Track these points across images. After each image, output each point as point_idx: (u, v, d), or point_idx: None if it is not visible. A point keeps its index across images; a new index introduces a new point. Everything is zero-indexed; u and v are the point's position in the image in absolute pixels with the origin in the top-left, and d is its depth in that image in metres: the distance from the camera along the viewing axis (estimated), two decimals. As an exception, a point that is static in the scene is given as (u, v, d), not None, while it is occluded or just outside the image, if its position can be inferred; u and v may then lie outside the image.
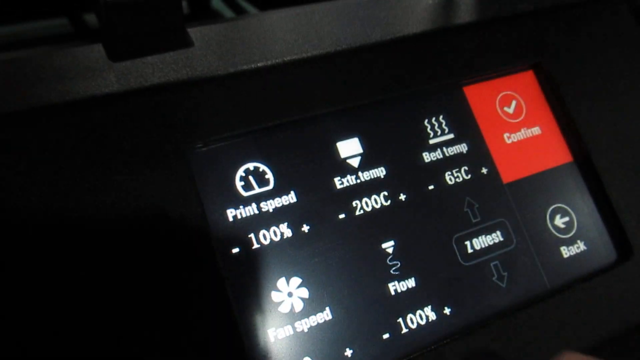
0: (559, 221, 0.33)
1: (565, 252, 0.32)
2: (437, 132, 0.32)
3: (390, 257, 0.29)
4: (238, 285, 0.26)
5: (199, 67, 0.29)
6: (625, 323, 0.31)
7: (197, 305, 0.25)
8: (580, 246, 0.33)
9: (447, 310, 0.29)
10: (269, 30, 0.32)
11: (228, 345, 0.25)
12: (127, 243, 0.25)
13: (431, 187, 0.31)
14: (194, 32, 0.30)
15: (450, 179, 0.32)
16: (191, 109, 0.28)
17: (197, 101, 0.28)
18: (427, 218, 0.30)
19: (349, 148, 0.30)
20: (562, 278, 0.32)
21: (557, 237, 0.33)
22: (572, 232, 0.33)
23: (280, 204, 0.28)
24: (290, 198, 0.29)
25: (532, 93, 0.35)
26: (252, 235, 0.27)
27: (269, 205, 0.28)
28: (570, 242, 0.33)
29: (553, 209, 0.33)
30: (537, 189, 0.33)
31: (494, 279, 0.31)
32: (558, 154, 0.34)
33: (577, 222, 0.33)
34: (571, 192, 0.34)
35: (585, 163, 0.34)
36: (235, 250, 0.27)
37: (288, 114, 0.29)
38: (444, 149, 0.32)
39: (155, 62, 0.29)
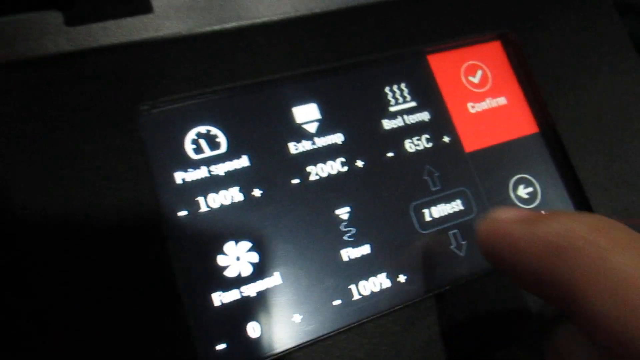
0: (522, 191, 0.32)
1: (528, 223, 0.32)
2: (398, 99, 0.32)
3: (344, 223, 0.29)
4: (182, 247, 0.26)
5: (152, 30, 0.28)
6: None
7: (137, 267, 0.25)
8: (543, 217, 0.32)
9: (401, 278, 0.29)
10: (227, -6, 0.31)
11: (168, 308, 0.25)
12: (69, 201, 0.25)
13: (390, 155, 0.30)
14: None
15: (410, 147, 0.31)
16: (143, 70, 0.27)
17: (149, 62, 0.28)
18: (385, 185, 0.30)
19: (306, 113, 0.30)
20: (523, 249, 0.31)
21: (520, 207, 0.32)
22: (536, 202, 0.32)
23: (232, 168, 0.28)
24: (243, 162, 0.28)
25: (498, 63, 0.35)
26: (200, 199, 0.27)
27: (219, 169, 0.28)
28: (533, 213, 0.32)
29: (516, 179, 0.32)
30: (500, 159, 0.33)
31: (452, 247, 0.30)
32: (523, 125, 0.34)
33: (541, 192, 0.33)
34: (536, 162, 0.33)
35: (550, 134, 0.34)
36: (182, 212, 0.26)
37: (243, 78, 0.29)
38: (405, 116, 0.32)
39: (109, 25, 0.28)
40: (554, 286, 0.19)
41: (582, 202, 0.33)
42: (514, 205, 0.32)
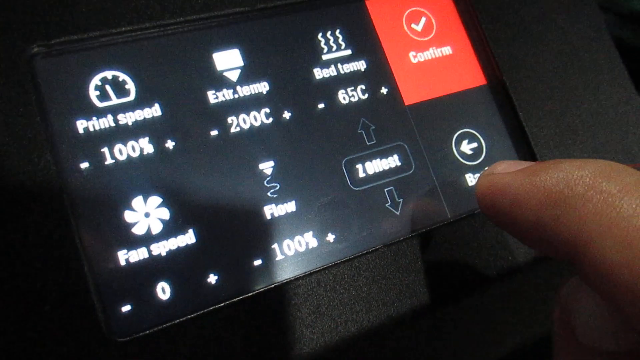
0: (466, 147, 0.30)
1: (471, 179, 0.30)
2: (332, 47, 0.29)
3: (268, 178, 0.26)
4: (83, 202, 0.24)
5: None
6: (530, 254, 0.29)
7: (34, 224, 0.22)
8: (488, 174, 0.30)
9: (330, 237, 0.27)
10: None
11: (68, 267, 0.23)
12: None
13: (321, 106, 0.28)
14: None
15: (344, 98, 0.29)
16: (38, 5, 0.25)
17: None
18: (314, 139, 0.28)
19: (227, 60, 0.27)
20: (465, 207, 0.29)
21: (463, 163, 0.30)
22: (480, 158, 0.30)
23: (142, 117, 0.25)
24: (154, 111, 0.26)
25: (444, 10, 0.32)
26: (105, 150, 0.25)
27: (127, 118, 0.25)
28: (477, 169, 0.30)
29: (460, 134, 0.30)
30: (443, 113, 0.31)
31: (387, 205, 0.28)
32: (469, 77, 0.32)
33: (486, 148, 0.31)
34: (481, 117, 0.31)
35: (498, 87, 0.32)
36: (84, 164, 0.24)
37: (157, 17, 0.26)
38: (339, 65, 0.29)
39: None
40: (558, 238, 0.18)
41: (529, 158, 0.31)
42: (457, 160, 0.30)
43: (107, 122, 0.25)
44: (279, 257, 0.26)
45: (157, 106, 0.26)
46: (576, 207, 0.17)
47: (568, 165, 0.18)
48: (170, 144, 0.25)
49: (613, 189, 0.17)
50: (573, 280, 0.21)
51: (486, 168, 0.22)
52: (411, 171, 0.29)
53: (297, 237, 0.26)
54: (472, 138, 0.31)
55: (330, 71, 0.29)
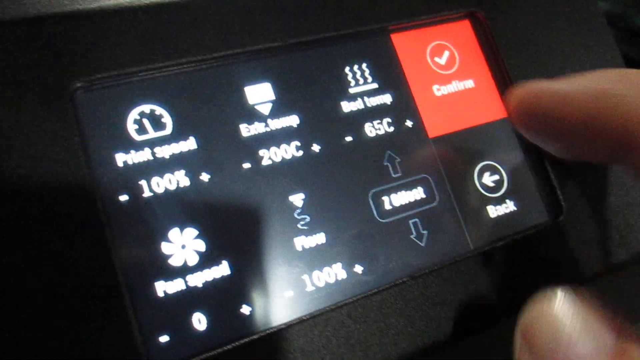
0: (488, 179, 0.31)
1: (493, 211, 0.31)
2: (358, 80, 0.30)
3: (298, 210, 0.27)
4: (122, 234, 0.24)
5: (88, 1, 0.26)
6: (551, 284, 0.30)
7: (74, 256, 0.23)
8: (509, 206, 0.31)
9: (358, 268, 0.27)
10: (177, -36, 0.29)
11: (107, 299, 0.23)
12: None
13: (349, 139, 0.29)
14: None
15: (370, 131, 0.30)
16: (80, 42, 0.25)
17: (87, 34, 0.26)
18: (342, 171, 0.28)
19: (259, 93, 0.28)
20: (486, 238, 0.30)
21: (485, 195, 0.31)
22: (502, 190, 0.31)
23: (178, 151, 0.26)
24: (190, 144, 0.26)
25: (467, 44, 0.33)
26: (143, 182, 0.25)
27: (164, 151, 0.26)
28: (498, 201, 0.31)
29: (482, 167, 0.31)
30: (465, 145, 0.31)
31: (412, 237, 0.29)
32: (491, 110, 0.32)
33: (508, 180, 0.32)
34: (503, 149, 0.32)
35: (519, 119, 0.32)
36: (123, 197, 0.25)
37: (191, 53, 0.27)
38: (366, 98, 0.30)
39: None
40: (609, 129, 0.18)
41: (549, 189, 0.32)
42: (479, 192, 0.31)
43: (145, 155, 0.26)
44: (310, 288, 0.26)
45: (192, 139, 0.26)
46: (628, 95, 0.17)
47: (612, 70, 0.19)
48: (205, 177, 0.26)
49: None
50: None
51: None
52: (435, 203, 0.30)
53: (327, 269, 0.27)
54: (493, 170, 0.31)
55: (357, 104, 0.30)
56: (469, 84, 0.32)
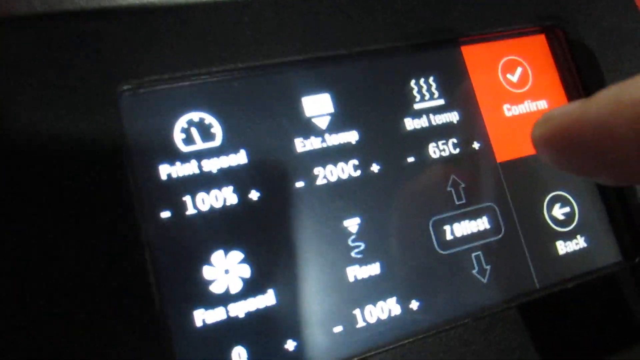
0: (558, 211, 0.28)
1: (562, 247, 0.28)
2: (424, 95, 0.27)
3: (353, 237, 0.25)
4: (163, 255, 0.22)
5: (144, -6, 0.24)
6: (622, 333, 0.27)
7: (111, 275, 0.21)
8: (579, 242, 0.28)
9: (414, 304, 0.25)
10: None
11: (145, 325, 0.21)
12: (37, 196, 0.21)
13: (411, 160, 0.26)
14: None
15: (434, 152, 0.27)
16: (129, 41, 0.23)
17: (137, 32, 0.23)
18: (403, 195, 0.26)
19: (317, 105, 0.26)
20: (554, 277, 0.27)
21: (554, 229, 0.28)
22: (572, 225, 0.28)
23: (227, 165, 0.24)
24: (240, 158, 0.24)
25: (542, 61, 0.30)
26: (187, 198, 0.23)
27: (212, 165, 0.24)
28: (568, 237, 0.28)
29: (552, 197, 0.28)
30: (536, 172, 0.28)
31: (474, 272, 0.26)
32: (565, 134, 0.29)
33: (579, 214, 0.29)
34: (576, 179, 0.29)
35: (595, 147, 0.29)
36: (165, 214, 0.23)
37: (247, 59, 0.25)
38: (431, 116, 0.27)
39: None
40: None
41: (625, 227, 0.29)
42: (548, 226, 0.28)
43: (191, 168, 0.23)
44: (360, 324, 0.24)
45: (243, 153, 0.24)
46: None
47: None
48: (254, 195, 0.24)
49: None
50: None
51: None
52: (500, 235, 0.27)
53: (380, 303, 0.24)
54: (564, 202, 0.29)
55: (422, 122, 0.27)
56: (542, 104, 0.30)
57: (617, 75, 0.31)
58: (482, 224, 0.27)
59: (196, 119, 0.24)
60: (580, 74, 0.30)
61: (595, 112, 0.16)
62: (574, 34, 0.30)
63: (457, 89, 0.28)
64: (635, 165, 0.16)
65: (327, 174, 0.25)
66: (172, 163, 0.23)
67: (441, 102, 0.28)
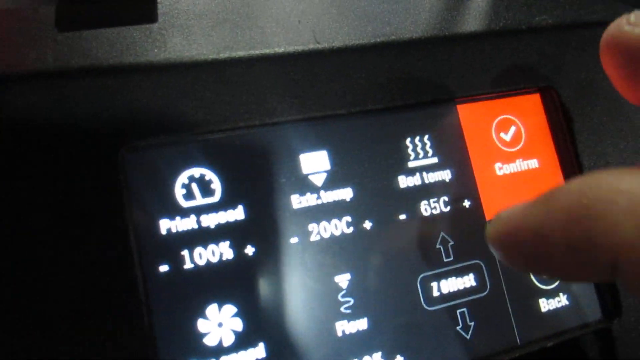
0: (543, 270, 0.29)
1: (544, 305, 0.29)
2: (419, 154, 0.28)
3: (343, 292, 0.26)
4: (160, 308, 0.23)
5: (149, 51, 0.25)
6: (599, 395, 0.28)
7: (109, 328, 0.22)
8: (562, 300, 0.29)
9: (399, 359, 0.26)
10: (243, 15, 0.28)
11: (139, 377, 0.22)
12: (38, 245, 0.22)
13: (402, 217, 0.27)
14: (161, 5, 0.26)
15: (425, 210, 0.28)
16: (131, 100, 0.24)
17: (139, 91, 0.24)
18: (393, 252, 0.27)
19: (314, 162, 0.27)
20: (535, 334, 0.28)
21: (538, 287, 0.29)
22: (555, 283, 0.29)
23: (225, 220, 0.25)
24: (238, 214, 0.25)
25: (535, 120, 0.31)
26: (185, 253, 0.24)
27: (211, 220, 0.25)
28: (551, 295, 0.29)
29: (538, 255, 0.29)
30: (523, 231, 0.29)
31: (458, 328, 0.27)
32: (554, 193, 0.30)
33: (563, 272, 0.30)
34: (562, 237, 0.30)
35: (582, 207, 0.30)
36: (164, 267, 0.24)
37: (248, 118, 0.26)
38: (424, 174, 0.28)
39: (103, 37, 0.25)
40: (595, 253, 0.16)
41: (608, 288, 0.30)
42: (532, 284, 0.29)
43: (190, 223, 0.24)
44: (346, 377, 0.25)
45: (240, 208, 0.25)
46: (605, 213, 0.16)
47: (578, 181, 0.17)
48: (250, 250, 0.25)
49: (633, 187, 0.15)
50: None
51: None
52: (485, 292, 0.28)
53: (366, 358, 0.26)
54: (550, 261, 0.29)
55: (415, 180, 0.28)
56: (533, 163, 0.30)
57: (613, 141, 0.31)
58: (468, 281, 0.28)
59: (197, 175, 0.25)
60: (571, 134, 0.31)
61: (532, 219, 0.17)
62: (570, 96, 0.31)
63: (451, 148, 0.29)
64: (571, 268, 0.17)
65: (321, 230, 0.26)
66: (172, 218, 0.24)
67: (435, 160, 0.29)
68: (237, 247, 0.25)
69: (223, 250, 0.24)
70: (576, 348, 0.29)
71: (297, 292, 0.25)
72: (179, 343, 0.23)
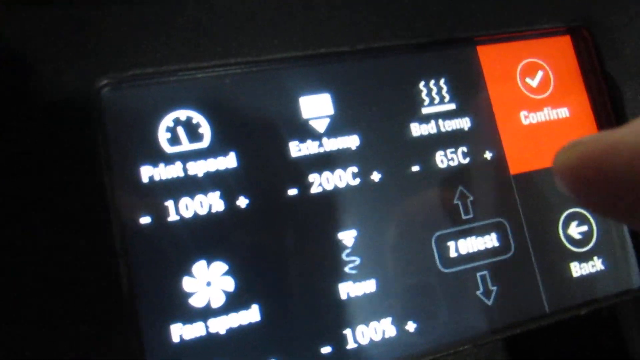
0: (575, 230, 0.26)
1: (577, 269, 0.26)
2: (434, 99, 0.25)
3: (347, 250, 0.23)
4: (140, 265, 0.21)
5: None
6: (638, 369, 0.25)
7: (82, 286, 0.20)
8: (596, 264, 0.26)
9: (411, 326, 0.23)
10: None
11: (116, 341, 0.20)
12: (5, 196, 0.19)
13: (415, 169, 0.24)
14: None
15: (441, 161, 0.25)
16: (111, 31, 0.21)
17: (121, 21, 0.22)
18: (405, 207, 0.24)
19: (316, 106, 0.24)
20: (566, 301, 0.25)
21: (569, 249, 0.26)
22: (589, 245, 0.26)
23: (215, 168, 0.22)
24: (229, 162, 0.22)
25: (565, 64, 0.28)
26: (170, 203, 0.21)
27: (199, 168, 0.22)
28: (584, 258, 0.26)
29: (569, 214, 0.26)
30: (552, 187, 0.26)
31: (478, 293, 0.24)
32: (587, 146, 0.27)
33: (598, 234, 0.26)
34: (596, 195, 0.27)
35: (619, 161, 0.27)
36: (145, 219, 0.21)
37: (241, 53, 0.23)
38: (440, 122, 0.25)
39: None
40: None
41: (647, 251, 0.26)
42: (562, 245, 0.26)
43: (175, 170, 0.22)
44: (351, 345, 0.22)
45: (232, 155, 0.22)
46: None
47: None
48: (242, 202, 0.22)
49: None
50: None
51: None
52: (510, 254, 0.25)
53: (374, 323, 0.23)
54: (582, 220, 0.26)
55: (430, 128, 0.25)
56: (564, 112, 0.27)
57: (648, 83, 0.28)
58: (490, 241, 0.25)
59: (183, 118, 0.22)
60: (607, 81, 0.27)
61: (634, 139, 0.14)
62: (603, 36, 0.27)
63: (470, 93, 0.26)
64: None
65: (323, 181, 0.23)
66: (155, 165, 0.21)
67: (452, 106, 0.25)
68: (228, 199, 0.22)
69: (212, 202, 0.22)
70: (611, 318, 0.26)
71: (295, 249, 0.22)
72: (161, 304, 0.21)
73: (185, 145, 0.22)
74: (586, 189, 0.15)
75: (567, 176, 0.15)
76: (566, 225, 0.26)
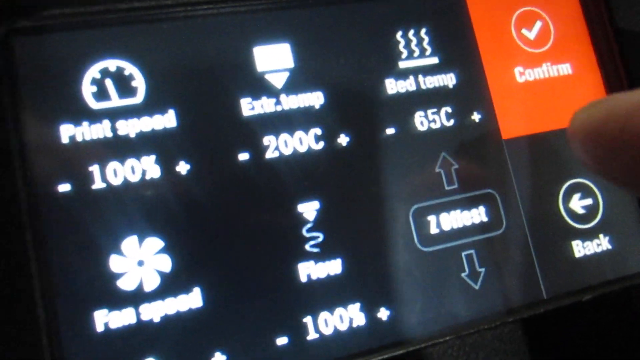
0: (577, 203, 0.23)
1: (579, 249, 0.22)
2: (413, 51, 0.22)
3: (308, 225, 0.20)
4: (55, 239, 0.17)
5: None
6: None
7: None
8: (602, 243, 0.23)
9: (383, 314, 0.20)
10: None
11: (24, 330, 0.16)
12: None
13: (390, 131, 0.21)
14: None
15: (421, 123, 0.21)
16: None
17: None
18: (377, 175, 0.21)
19: (273, 58, 0.20)
20: (566, 286, 0.22)
21: (571, 226, 0.23)
22: (594, 221, 0.23)
23: (150, 128, 0.19)
24: (167, 120, 0.19)
25: (568, 14, 0.24)
26: (94, 169, 0.18)
27: (131, 127, 0.19)
28: (588, 236, 0.23)
29: (571, 185, 0.23)
30: (552, 154, 0.23)
31: (463, 275, 0.21)
32: (592, 107, 0.24)
33: (604, 208, 0.23)
34: (602, 163, 0.23)
35: (630, 124, 0.23)
36: (63, 186, 0.18)
37: (183, -5, 0.19)
38: (420, 77, 0.22)
39: None
40: None
41: (661, 228, 0.23)
42: (563, 221, 0.22)
43: (102, 130, 0.18)
44: (312, 335, 0.19)
45: (171, 113, 0.19)
46: None
47: None
48: (183, 167, 0.19)
49: None
50: None
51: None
52: (501, 230, 0.22)
53: (339, 310, 0.19)
54: (586, 192, 0.23)
55: (408, 84, 0.22)
56: (565, 69, 0.24)
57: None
58: (477, 215, 0.21)
59: (112, 69, 0.19)
60: (616, 32, 0.24)
61: None
62: (611, -19, 0.24)
63: (455, 45, 0.22)
64: None
65: (280, 144, 0.20)
66: (77, 123, 0.18)
67: (434, 60, 0.22)
68: (166, 164, 0.19)
69: (147, 167, 0.19)
70: (618, 304, 0.22)
71: (245, 223, 0.19)
72: (82, 286, 0.18)
73: (115, 101, 0.19)
74: (609, 152, 0.13)
75: (588, 138, 0.13)
76: (567, 197, 0.23)
